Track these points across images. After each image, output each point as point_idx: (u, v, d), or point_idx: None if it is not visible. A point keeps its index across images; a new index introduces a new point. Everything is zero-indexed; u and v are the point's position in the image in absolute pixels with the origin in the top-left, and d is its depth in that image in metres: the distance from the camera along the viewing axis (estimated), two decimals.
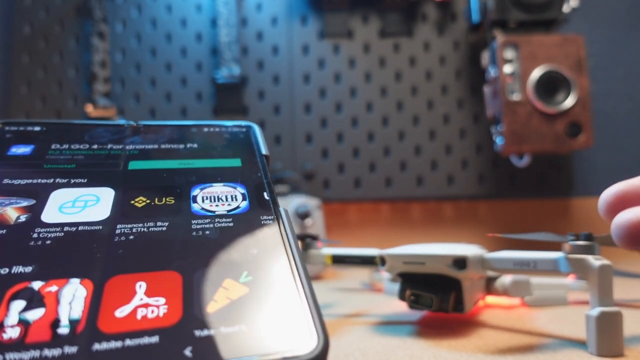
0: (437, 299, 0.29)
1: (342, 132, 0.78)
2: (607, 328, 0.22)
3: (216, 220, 0.20)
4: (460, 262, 0.28)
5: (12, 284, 0.16)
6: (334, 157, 0.77)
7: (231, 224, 0.20)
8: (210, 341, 0.15)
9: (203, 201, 0.21)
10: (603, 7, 0.79)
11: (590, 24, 0.78)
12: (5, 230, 0.18)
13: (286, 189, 0.64)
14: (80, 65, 0.79)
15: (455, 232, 0.76)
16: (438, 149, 0.77)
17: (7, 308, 0.15)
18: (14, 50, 0.79)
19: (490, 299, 0.38)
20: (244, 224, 0.20)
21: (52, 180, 0.21)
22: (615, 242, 0.20)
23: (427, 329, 0.29)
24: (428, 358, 0.23)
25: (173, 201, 0.21)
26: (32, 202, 0.19)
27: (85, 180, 0.21)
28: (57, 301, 0.15)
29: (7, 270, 0.16)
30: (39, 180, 0.21)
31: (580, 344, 0.25)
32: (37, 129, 0.24)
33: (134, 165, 0.23)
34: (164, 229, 0.19)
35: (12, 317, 0.15)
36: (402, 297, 0.31)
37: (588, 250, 0.24)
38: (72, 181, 0.21)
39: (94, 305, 0.15)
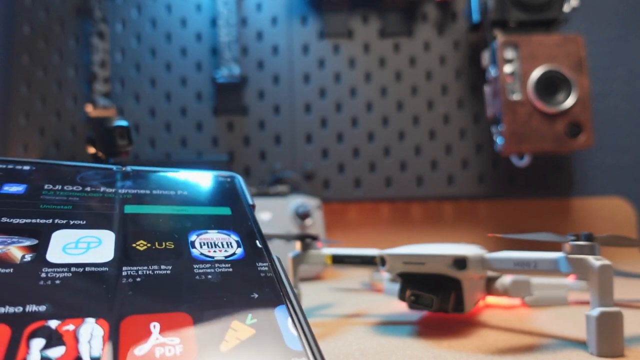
0: (437, 299, 0.29)
1: (342, 132, 0.78)
2: (608, 328, 0.22)
3: (216, 265, 0.21)
4: (461, 262, 0.28)
5: (28, 323, 0.16)
6: (334, 157, 0.77)
7: (230, 269, 0.21)
8: None
9: (201, 247, 0.22)
10: (603, 7, 0.79)
11: (590, 24, 0.78)
12: (12, 270, 0.18)
13: (286, 189, 0.64)
14: (80, 65, 0.79)
15: (455, 232, 0.76)
16: (438, 149, 0.77)
17: (28, 346, 0.15)
18: (14, 50, 0.79)
19: (491, 299, 0.38)
20: (242, 269, 0.21)
21: (51, 221, 0.21)
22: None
23: (427, 329, 0.29)
24: (428, 358, 0.23)
25: (173, 246, 0.22)
26: (35, 241, 0.20)
27: (85, 222, 0.22)
28: (77, 340, 0.16)
29: (21, 309, 0.16)
30: (39, 220, 0.21)
31: (581, 344, 0.25)
32: (26, 167, 0.24)
33: (129, 209, 0.23)
34: (169, 272, 0.20)
35: (34, 355, 0.15)
36: (402, 297, 0.31)
37: (588, 250, 0.24)
38: (72, 222, 0.21)
39: (113, 344, 0.16)
